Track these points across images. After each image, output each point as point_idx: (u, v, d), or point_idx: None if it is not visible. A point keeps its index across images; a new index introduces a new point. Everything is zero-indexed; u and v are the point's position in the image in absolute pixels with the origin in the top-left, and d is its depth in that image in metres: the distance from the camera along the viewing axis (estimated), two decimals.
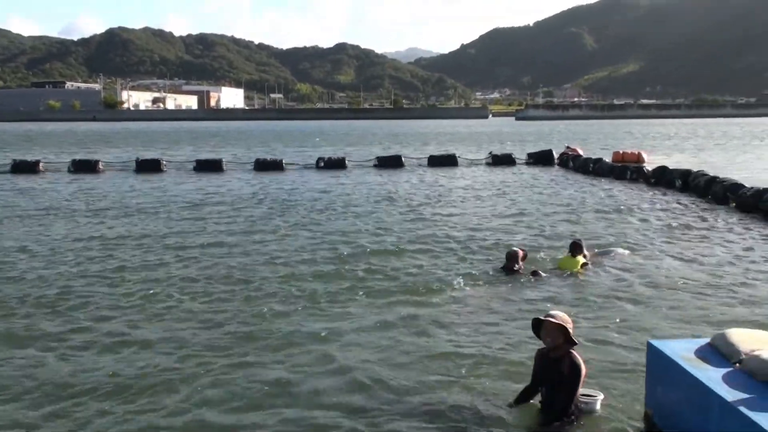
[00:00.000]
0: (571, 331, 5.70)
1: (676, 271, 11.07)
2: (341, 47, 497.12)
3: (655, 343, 5.61)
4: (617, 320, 8.60)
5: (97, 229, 15.66)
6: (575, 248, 11.42)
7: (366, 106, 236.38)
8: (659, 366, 5.42)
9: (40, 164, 31.13)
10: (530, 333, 6.19)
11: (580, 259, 11.24)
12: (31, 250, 13.25)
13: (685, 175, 22.27)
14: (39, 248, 13.37)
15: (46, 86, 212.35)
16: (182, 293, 9.99)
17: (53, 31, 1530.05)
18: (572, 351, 5.71)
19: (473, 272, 11.12)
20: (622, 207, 18.56)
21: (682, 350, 5.30)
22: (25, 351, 7.69)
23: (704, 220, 16.19)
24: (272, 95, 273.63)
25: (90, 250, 13.20)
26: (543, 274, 10.86)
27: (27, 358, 7.49)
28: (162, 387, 6.68)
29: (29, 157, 34.68)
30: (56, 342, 7.98)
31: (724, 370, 4.90)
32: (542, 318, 5.82)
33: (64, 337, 8.13)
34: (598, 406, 5.91)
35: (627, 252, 12.32)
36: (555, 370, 5.71)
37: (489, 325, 8.48)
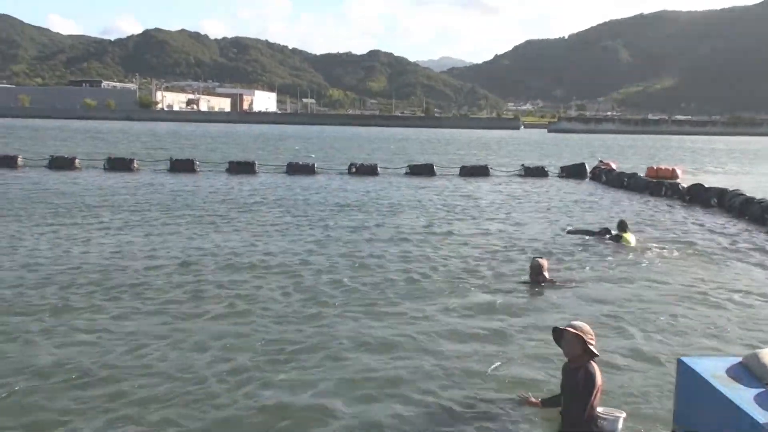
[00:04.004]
0: (589, 342, 5.69)
1: (714, 289, 10.92)
2: (374, 54, 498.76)
3: (686, 360, 5.49)
4: (649, 334, 8.55)
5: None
6: (623, 225, 14.39)
7: (397, 113, 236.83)
8: (689, 384, 5.32)
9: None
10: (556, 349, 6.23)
11: (630, 236, 14.12)
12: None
13: (721, 194, 21.91)
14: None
15: (83, 85, 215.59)
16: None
17: (93, 31, 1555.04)
18: (592, 362, 5.69)
19: (498, 286, 10.98)
20: (658, 224, 18.26)
21: (713, 368, 5.20)
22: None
23: (746, 240, 15.83)
24: (304, 100, 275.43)
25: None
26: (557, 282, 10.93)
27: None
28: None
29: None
30: None
31: (755, 391, 4.83)
32: (561, 327, 5.88)
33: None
34: (620, 425, 5.71)
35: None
36: (572, 380, 5.72)
37: (509, 338, 8.49)
